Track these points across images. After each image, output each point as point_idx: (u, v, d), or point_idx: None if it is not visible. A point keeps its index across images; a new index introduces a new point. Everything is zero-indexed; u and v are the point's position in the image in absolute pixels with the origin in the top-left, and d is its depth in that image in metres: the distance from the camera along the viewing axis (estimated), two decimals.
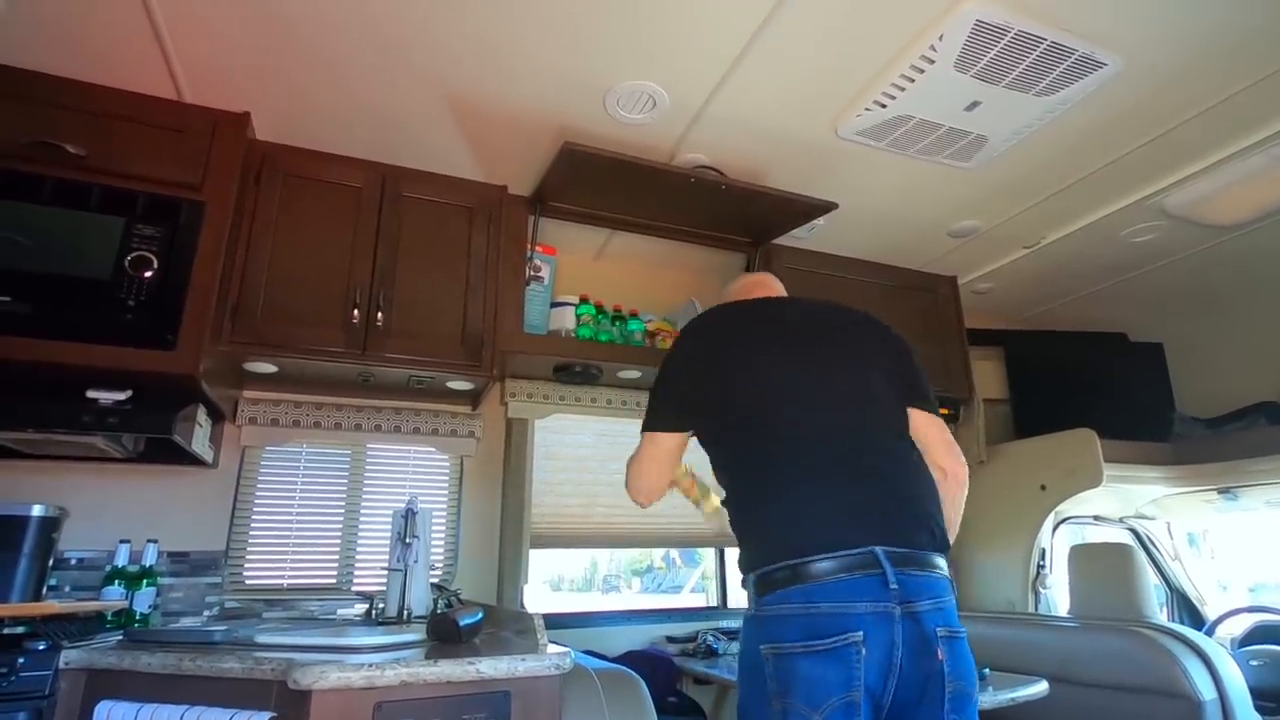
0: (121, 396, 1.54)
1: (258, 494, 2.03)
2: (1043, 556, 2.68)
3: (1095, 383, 2.92)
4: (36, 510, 1.66)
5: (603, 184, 2.02)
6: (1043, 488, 2.57)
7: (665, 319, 2.42)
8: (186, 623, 1.87)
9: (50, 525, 1.70)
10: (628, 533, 2.49)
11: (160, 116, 1.69)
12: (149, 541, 1.80)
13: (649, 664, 2.10)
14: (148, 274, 1.59)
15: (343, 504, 2.11)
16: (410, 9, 1.49)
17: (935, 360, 2.63)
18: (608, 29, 1.54)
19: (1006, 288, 2.90)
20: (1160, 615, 2.30)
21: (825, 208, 2.12)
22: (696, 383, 1.29)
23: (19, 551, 1.62)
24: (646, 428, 1.34)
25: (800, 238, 2.46)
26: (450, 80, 1.71)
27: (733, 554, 2.65)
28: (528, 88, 1.74)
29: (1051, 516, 2.63)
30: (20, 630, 1.35)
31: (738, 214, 2.22)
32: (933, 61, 1.61)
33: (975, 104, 1.76)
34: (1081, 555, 2.40)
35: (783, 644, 1.03)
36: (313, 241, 1.85)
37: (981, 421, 2.76)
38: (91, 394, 1.53)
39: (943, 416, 2.68)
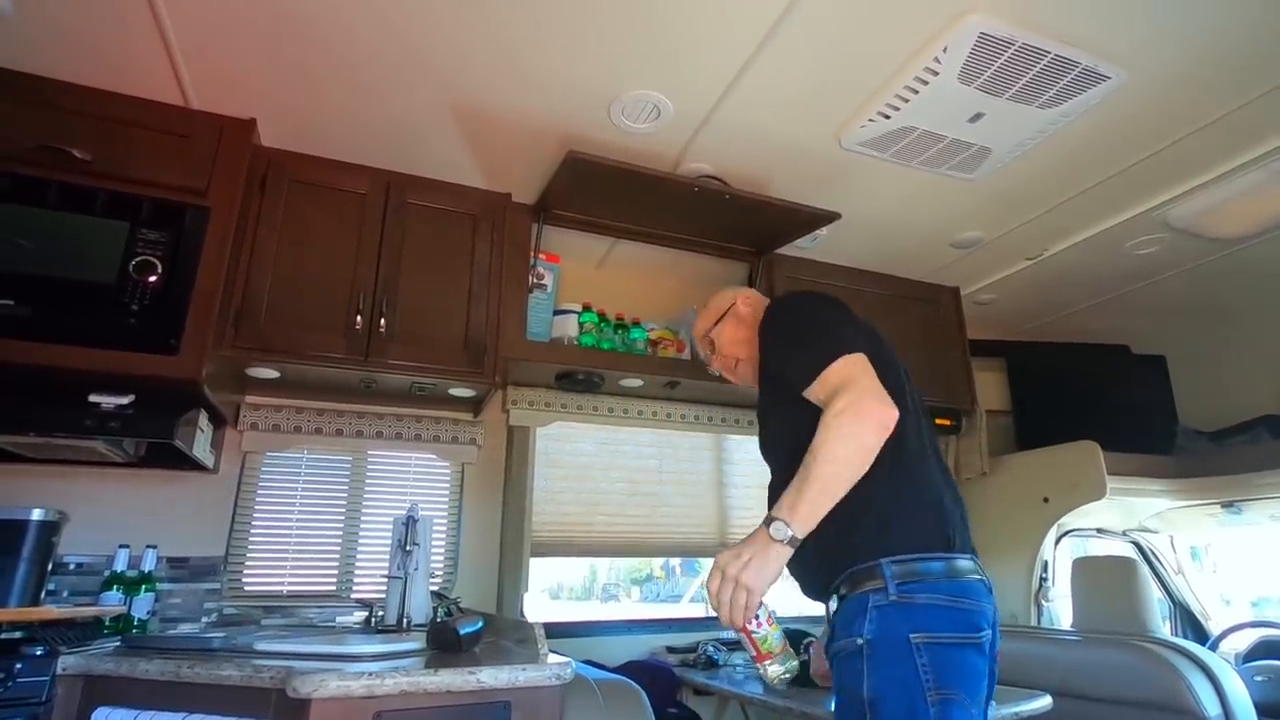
0: (123, 401, 1.54)
1: (258, 500, 2.02)
2: (1045, 569, 2.67)
3: (1098, 395, 2.91)
4: (36, 514, 1.65)
5: (606, 192, 2.02)
6: (1045, 500, 2.56)
7: (667, 327, 2.42)
8: (184, 629, 1.86)
9: (50, 530, 1.69)
10: (628, 542, 2.48)
11: (167, 122, 1.70)
12: (148, 547, 1.80)
13: (649, 675, 2.09)
14: (152, 278, 1.59)
15: (343, 510, 2.10)
16: (419, 18, 1.50)
17: (936, 371, 2.63)
18: (614, 39, 1.55)
19: (1009, 299, 2.90)
20: (1164, 629, 2.29)
21: (828, 218, 2.12)
22: (863, 336, 1.23)
23: (18, 556, 1.62)
24: (845, 349, 1.16)
25: (803, 248, 2.46)
26: (456, 88, 1.72)
27: None
28: (533, 97, 1.75)
29: (1054, 529, 2.62)
30: (17, 635, 1.34)
31: (741, 224, 2.22)
32: (937, 73, 1.62)
33: (979, 116, 1.77)
34: (1084, 568, 2.38)
35: (941, 634, 1.04)
36: (317, 247, 1.85)
37: (983, 433, 2.75)
38: (94, 398, 1.52)
39: (944, 428, 2.70)
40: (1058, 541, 2.79)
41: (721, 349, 1.51)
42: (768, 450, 1.37)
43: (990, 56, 1.57)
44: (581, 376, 2.21)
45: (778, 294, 2.41)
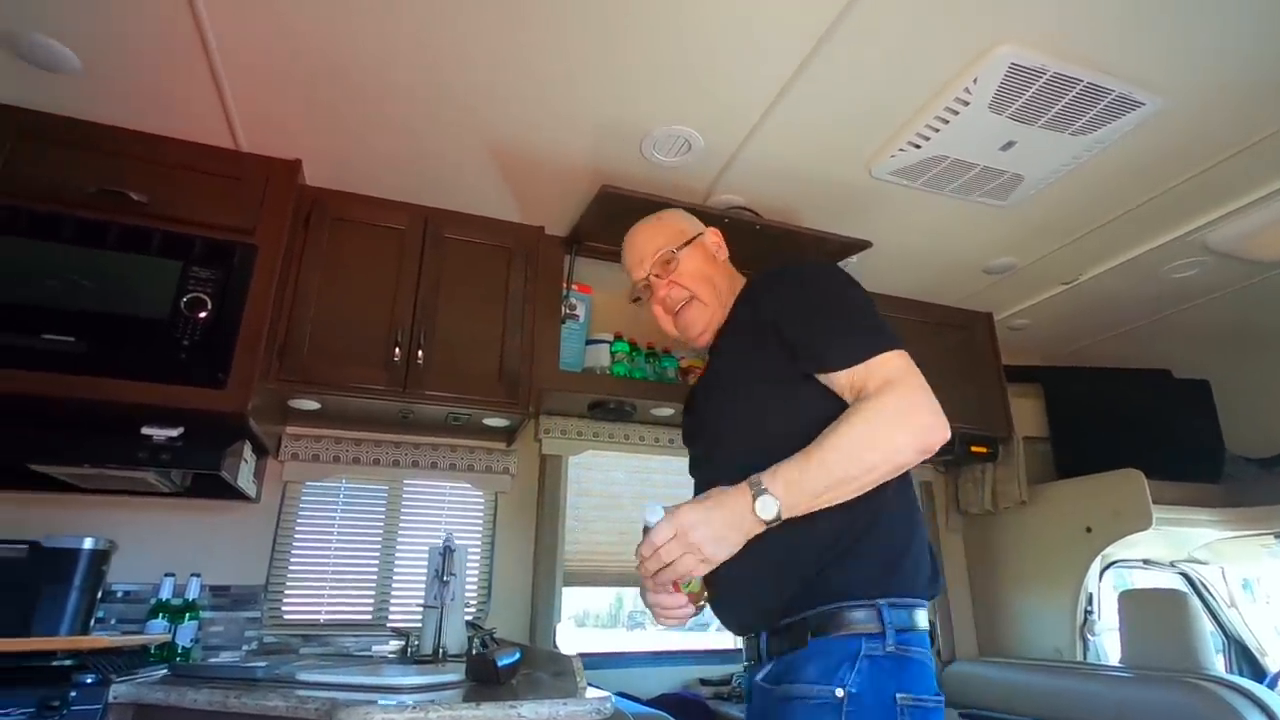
0: (174, 433, 1.59)
1: (297, 529, 2.06)
2: (1090, 602, 2.59)
3: (1139, 421, 2.84)
4: (88, 543, 1.70)
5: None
6: (1088, 530, 2.50)
7: (698, 356, 2.43)
8: (226, 657, 1.88)
9: (100, 558, 1.74)
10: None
11: (218, 164, 1.77)
12: (192, 575, 1.84)
13: (683, 708, 2.06)
14: (202, 315, 1.65)
15: (379, 539, 2.13)
16: (458, 63, 1.55)
17: (971, 398, 2.60)
18: (646, 78, 1.59)
19: (1044, 324, 2.86)
20: (1218, 666, 2.20)
21: (859, 246, 2.12)
22: None
23: (70, 584, 1.66)
24: (892, 345, 1.01)
25: None
26: (493, 127, 1.77)
27: None
28: (567, 134, 1.79)
29: (1098, 560, 2.55)
30: (69, 663, 1.38)
31: (772, 252, 2.23)
32: (967, 103, 1.63)
33: (1010, 144, 1.77)
34: (1132, 601, 2.31)
35: (924, 696, 0.92)
36: (357, 282, 1.91)
37: (1021, 461, 2.70)
38: (146, 430, 1.58)
39: (980, 455, 2.65)
40: (1102, 573, 2.71)
41: (680, 277, 1.24)
42: (720, 427, 1.12)
43: (1021, 86, 1.57)
44: (613, 405, 2.22)
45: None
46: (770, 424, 1.04)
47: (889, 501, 0.99)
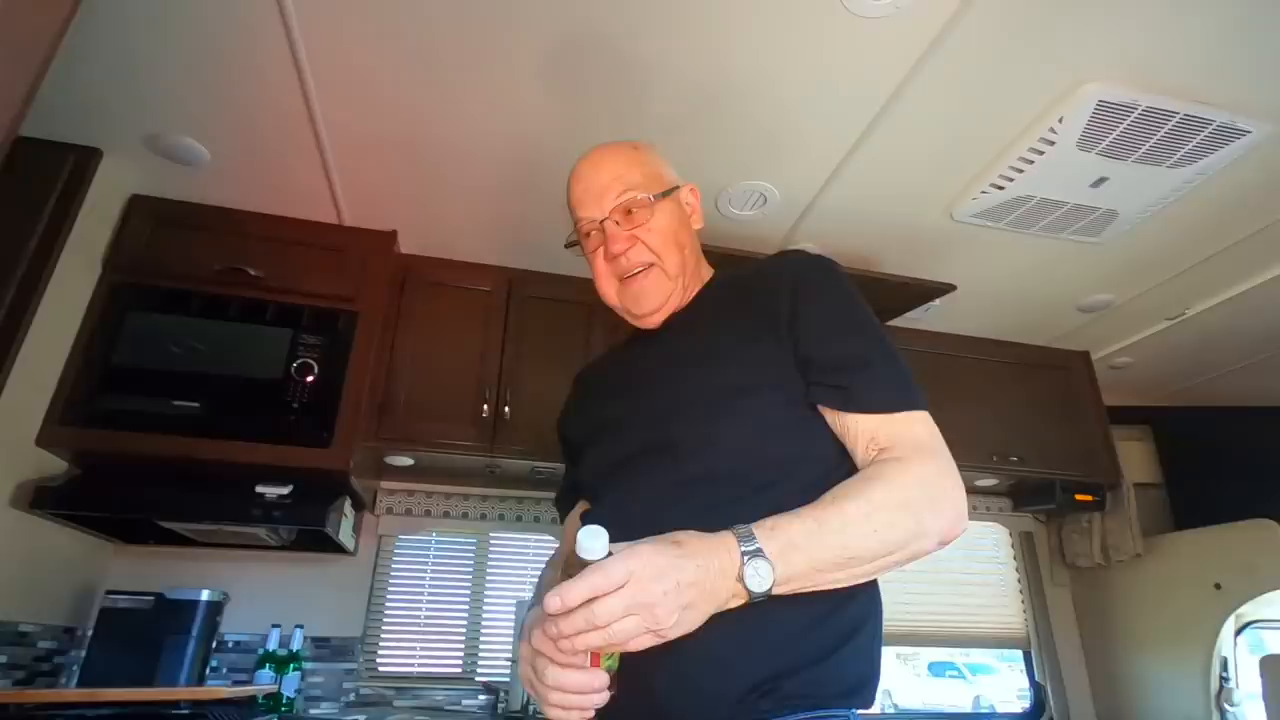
0: (284, 491, 1.69)
1: (391, 581, 2.13)
2: (1225, 667, 2.34)
3: (1266, 464, 2.60)
4: (205, 595, 1.82)
5: None
6: (1217, 587, 2.28)
7: None
8: (325, 709, 1.94)
9: (215, 609, 1.85)
10: None
11: (325, 238, 1.92)
12: (296, 626, 1.92)
13: None
14: (309, 378, 1.76)
15: (468, 592, 2.17)
16: (541, 131, 1.64)
17: (1073, 441, 2.45)
18: (721, 139, 1.63)
19: (1148, 362, 2.68)
20: None
21: (942, 290, 2.07)
22: None
23: (189, 634, 1.77)
24: (925, 403, 0.83)
25: (915, 318, 2.40)
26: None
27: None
28: None
29: (1231, 620, 2.31)
30: (186, 712, 1.46)
31: None
32: (1052, 143, 1.59)
33: (1102, 180, 1.70)
34: (1277, 667, 2.08)
35: None
36: (448, 342, 2.00)
37: (1133, 509, 2.51)
38: (259, 488, 1.68)
39: (1086, 504, 2.48)
40: (1237, 634, 2.45)
41: (648, 234, 0.94)
42: (701, 433, 0.83)
43: (1111, 122, 1.53)
44: None
45: None
46: (773, 445, 0.81)
47: (870, 598, 0.80)
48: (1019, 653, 2.70)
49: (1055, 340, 2.60)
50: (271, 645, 1.87)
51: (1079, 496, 2.45)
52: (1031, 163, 1.65)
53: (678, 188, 1.01)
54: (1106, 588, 2.62)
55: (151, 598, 1.77)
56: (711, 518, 0.72)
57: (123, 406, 1.64)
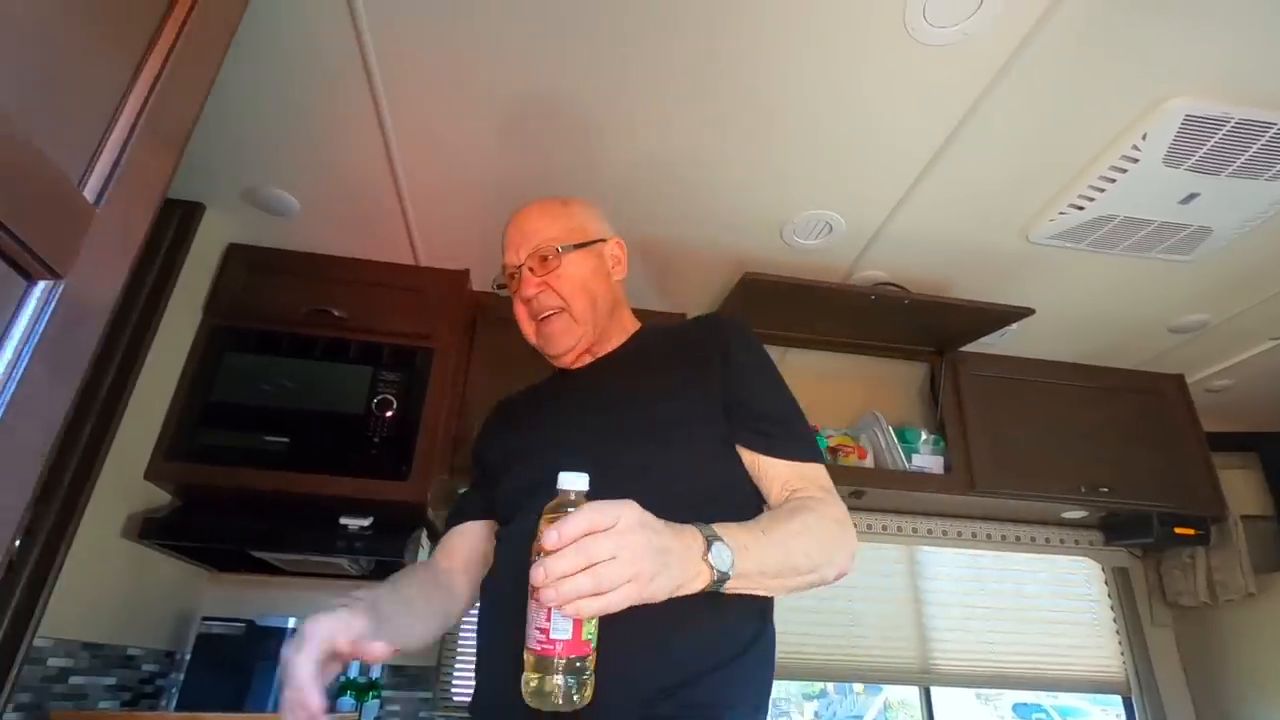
0: (365, 523, 1.75)
1: None
2: None
3: None
4: (291, 623, 1.88)
5: (780, 305, 2.07)
6: None
7: (846, 433, 2.35)
8: None
9: None
10: (819, 665, 2.32)
11: (403, 279, 2.01)
12: None
13: None
14: (389, 413, 1.83)
15: None
16: (610, 171, 1.68)
17: (1169, 471, 2.30)
18: (787, 170, 1.64)
19: (1251, 384, 2.50)
20: None
21: (1020, 314, 2.00)
22: None
23: (276, 660, 1.84)
24: (822, 459, 0.95)
25: (990, 343, 2.32)
26: (640, 227, 1.88)
27: (947, 693, 2.37)
28: (710, 230, 1.87)
29: None
30: None
31: (920, 325, 2.16)
32: (1136, 160, 1.53)
33: (1192, 196, 1.62)
34: None
35: None
36: (518, 377, 2.00)
37: (1242, 544, 2.33)
38: (343, 520, 1.75)
39: (1187, 538, 2.31)
40: None
41: (557, 281, 1.02)
42: (641, 460, 0.89)
43: (1201, 137, 1.46)
44: None
45: (954, 389, 2.28)
46: (706, 473, 0.90)
47: (771, 616, 0.90)
48: (1115, 697, 2.52)
49: (1144, 363, 2.46)
50: (352, 673, 1.93)
51: (1179, 530, 2.29)
52: (1113, 181, 1.59)
53: (600, 241, 1.09)
54: (1215, 629, 2.43)
55: (243, 624, 1.85)
56: None
57: (220, 442, 1.75)
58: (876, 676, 2.39)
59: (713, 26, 1.28)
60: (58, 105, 0.40)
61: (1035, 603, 2.53)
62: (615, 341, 1.09)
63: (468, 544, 1.07)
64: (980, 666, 2.36)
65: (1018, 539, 2.54)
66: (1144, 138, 1.47)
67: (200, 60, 0.53)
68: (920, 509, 2.43)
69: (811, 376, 2.56)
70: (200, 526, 1.73)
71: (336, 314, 1.91)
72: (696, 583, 0.71)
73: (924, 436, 2.28)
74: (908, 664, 2.36)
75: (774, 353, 2.40)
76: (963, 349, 2.33)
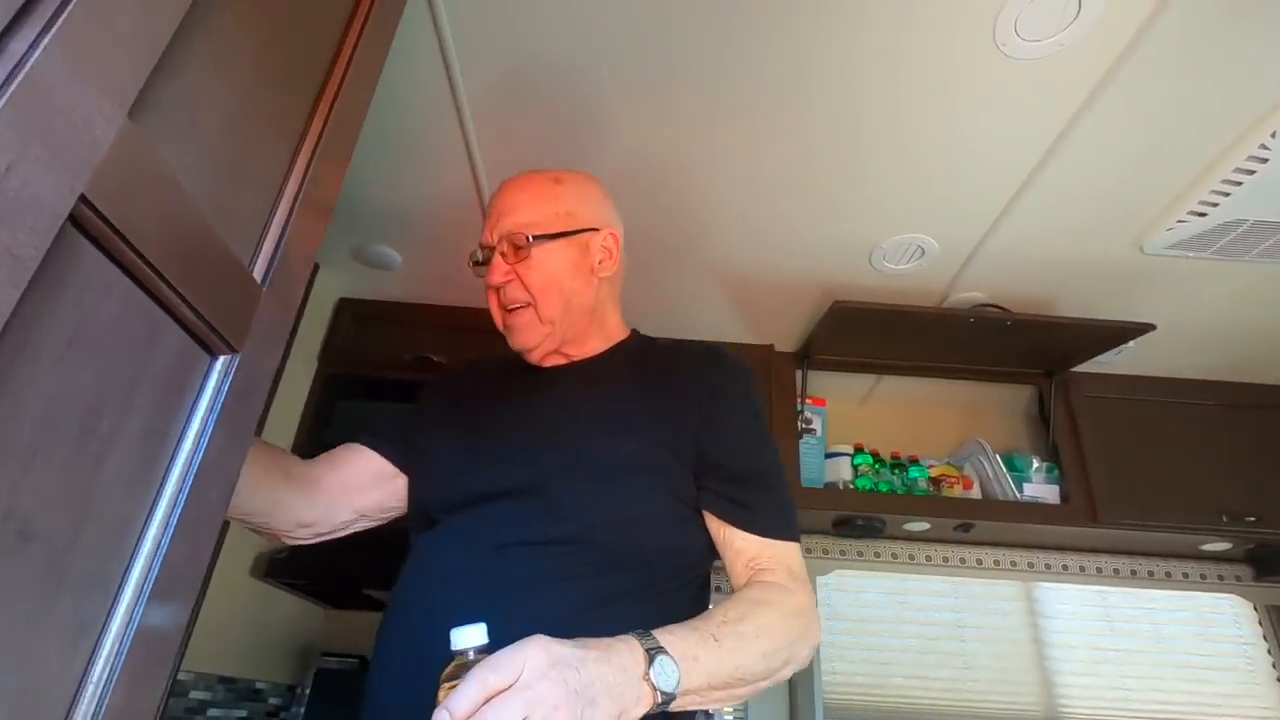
0: None
1: None
2: None
3: None
4: None
5: (871, 333, 2.02)
6: None
7: (949, 462, 2.24)
8: None
9: None
10: (932, 710, 2.19)
11: (494, 323, 2.09)
12: None
13: None
14: None
15: None
16: (699, 208, 1.70)
17: None
18: (875, 196, 1.61)
19: None
20: None
21: (1137, 330, 1.87)
22: None
23: None
24: (799, 538, 0.87)
25: (1103, 362, 2.17)
26: (725, 262, 1.89)
27: None
28: (796, 259, 1.85)
29: None
30: None
31: (1025, 346, 2.05)
32: (1265, 160, 1.41)
33: None
34: None
35: None
36: None
37: None
38: None
39: None
40: None
41: (527, 273, 0.91)
42: (579, 501, 0.80)
43: None
44: (861, 522, 2.11)
45: (1067, 413, 2.13)
46: (651, 529, 0.80)
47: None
48: None
49: None
50: None
51: None
52: (1239, 184, 1.48)
53: (588, 230, 0.96)
54: None
55: (356, 659, 1.93)
56: (564, 587, 0.74)
57: None
58: None
59: (800, 60, 1.29)
60: (234, 197, 0.45)
61: (1175, 644, 2.30)
62: (594, 347, 0.99)
63: (357, 467, 0.97)
64: (1115, 715, 2.16)
65: (1150, 574, 2.33)
66: (1273, 135, 1.36)
67: (343, 139, 0.58)
68: (1036, 542, 2.27)
69: (906, 404, 2.47)
70: (318, 565, 1.83)
71: (435, 359, 2.01)
72: (637, 709, 0.61)
73: (1035, 464, 2.15)
74: (1030, 711, 2.18)
75: (865, 381, 2.34)
76: (1074, 369, 2.19)
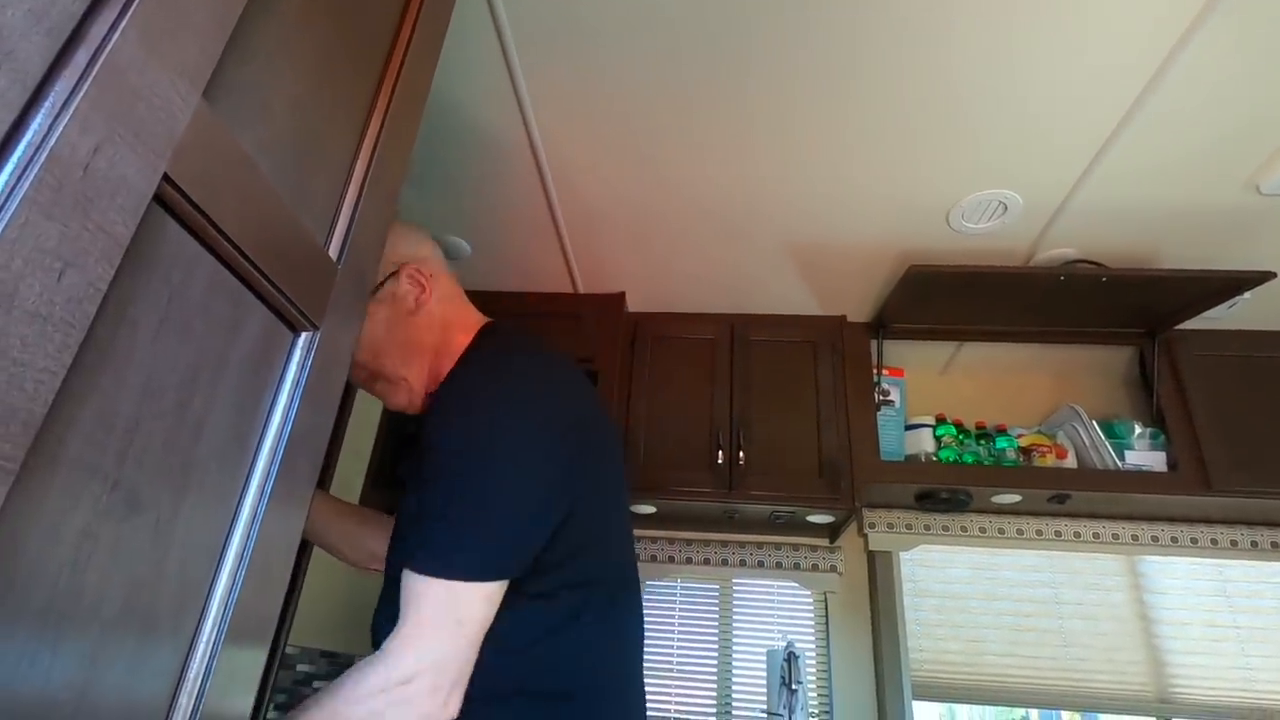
0: None
1: (646, 626, 2.20)
2: None
3: None
4: None
5: (949, 298, 1.92)
6: None
7: (1040, 431, 2.12)
8: None
9: None
10: (1027, 689, 2.09)
11: (564, 306, 2.12)
12: None
13: None
14: None
15: (715, 639, 2.17)
16: (765, 179, 1.66)
17: None
18: (948, 154, 1.53)
19: None
20: None
21: (1254, 280, 1.70)
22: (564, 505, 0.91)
23: None
24: (441, 570, 0.79)
25: (1215, 317, 2.00)
26: (793, 232, 1.84)
27: None
28: (868, 224, 1.78)
29: None
30: None
31: (1122, 304, 1.91)
32: None
33: None
34: None
35: None
36: (679, 391, 2.07)
37: None
38: None
39: None
40: None
41: (362, 350, 0.91)
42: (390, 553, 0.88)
43: None
44: (945, 495, 2.03)
45: (1173, 374, 1.97)
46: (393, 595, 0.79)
47: None
48: None
49: None
50: None
51: None
52: None
53: (389, 278, 0.90)
54: None
55: None
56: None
57: None
58: (1100, 705, 2.10)
59: (866, 8, 1.23)
60: (306, 176, 0.46)
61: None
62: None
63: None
64: (1236, 697, 2.01)
65: (1273, 545, 2.15)
66: None
67: (407, 120, 0.58)
68: (1141, 513, 2.12)
69: (990, 372, 2.35)
70: None
71: None
72: None
73: (1138, 430, 2.00)
74: (1139, 692, 2.06)
75: (945, 349, 2.24)
76: (1179, 326, 2.02)
